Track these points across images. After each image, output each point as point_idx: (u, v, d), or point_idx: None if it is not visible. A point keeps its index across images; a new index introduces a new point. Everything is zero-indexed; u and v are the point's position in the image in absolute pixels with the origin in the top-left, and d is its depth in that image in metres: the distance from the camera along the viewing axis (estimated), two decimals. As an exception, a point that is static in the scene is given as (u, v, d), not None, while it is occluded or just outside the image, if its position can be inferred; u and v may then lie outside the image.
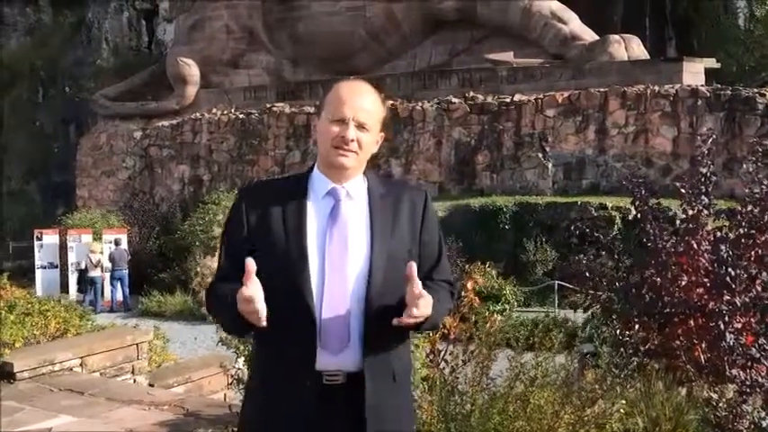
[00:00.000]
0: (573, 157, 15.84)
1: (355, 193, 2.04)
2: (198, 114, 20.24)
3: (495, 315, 11.79)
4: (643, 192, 4.15)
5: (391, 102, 17.58)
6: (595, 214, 14.22)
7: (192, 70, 20.78)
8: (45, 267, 16.32)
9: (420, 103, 17.23)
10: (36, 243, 16.76)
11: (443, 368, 4.19)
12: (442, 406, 3.75)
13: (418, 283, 1.87)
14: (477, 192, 16.30)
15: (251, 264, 1.81)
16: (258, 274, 1.85)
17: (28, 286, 12.86)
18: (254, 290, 1.80)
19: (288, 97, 19.35)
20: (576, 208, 14.53)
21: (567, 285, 10.60)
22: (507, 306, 12.08)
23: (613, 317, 4.44)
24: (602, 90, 15.73)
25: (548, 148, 16.00)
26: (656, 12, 21.18)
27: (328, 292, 1.93)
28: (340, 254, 1.95)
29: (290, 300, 1.91)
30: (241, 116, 19.38)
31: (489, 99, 16.68)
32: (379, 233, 1.99)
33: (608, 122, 15.60)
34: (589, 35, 17.24)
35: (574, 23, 17.37)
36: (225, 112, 19.84)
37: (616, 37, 16.82)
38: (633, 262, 4.61)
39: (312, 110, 18.45)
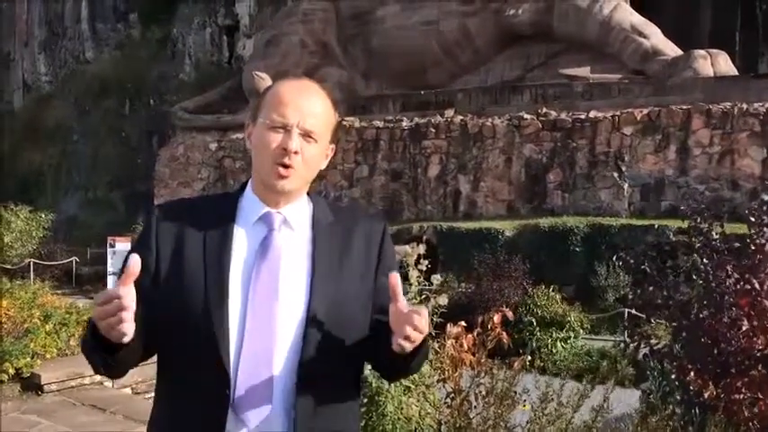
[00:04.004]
0: (651, 177, 15.00)
1: (295, 220, 1.62)
2: (270, 127, 20.46)
3: (559, 343, 11.22)
4: (698, 219, 3.64)
5: (461, 117, 17.24)
6: (674, 239, 13.35)
7: (267, 84, 21.01)
8: (116, 274, 16.76)
9: (490, 119, 16.77)
10: (109, 250, 17.25)
11: (476, 412, 3.62)
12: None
13: (403, 299, 1.47)
14: (547, 211, 15.67)
15: (134, 263, 1.38)
16: (164, 314, 1.51)
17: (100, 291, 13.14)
18: (125, 290, 1.35)
19: (358, 111, 19.29)
20: (654, 231, 13.70)
21: (639, 314, 9.93)
22: (572, 334, 11.43)
23: (665, 362, 3.93)
24: (684, 107, 14.85)
25: (624, 168, 15.21)
26: (748, 26, 19.94)
27: (248, 343, 1.51)
28: (267, 297, 1.53)
29: (201, 349, 1.50)
30: (311, 130, 19.44)
31: (563, 115, 16.05)
32: (324, 273, 1.57)
33: (690, 142, 14.69)
34: (672, 50, 16.37)
35: (656, 38, 16.54)
36: (296, 125, 19.98)
37: (701, 52, 15.88)
38: (694, 300, 4.10)
39: (381, 124, 18.34)
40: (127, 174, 27.16)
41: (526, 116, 16.38)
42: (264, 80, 21.19)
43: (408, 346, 1.46)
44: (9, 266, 17.68)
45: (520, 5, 18.01)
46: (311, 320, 1.53)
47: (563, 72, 17.27)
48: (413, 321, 1.43)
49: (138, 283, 1.44)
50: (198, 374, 1.51)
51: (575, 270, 13.87)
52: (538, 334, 10.70)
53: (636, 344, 3.96)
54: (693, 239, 3.77)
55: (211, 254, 1.55)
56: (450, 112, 17.57)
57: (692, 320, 3.61)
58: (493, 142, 16.61)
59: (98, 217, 26.49)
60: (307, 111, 1.58)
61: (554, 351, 10.61)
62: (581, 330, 11.77)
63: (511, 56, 18.63)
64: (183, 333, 1.51)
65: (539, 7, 17.85)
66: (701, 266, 3.48)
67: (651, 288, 4.23)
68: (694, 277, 3.50)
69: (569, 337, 11.04)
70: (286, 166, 1.56)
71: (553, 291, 11.44)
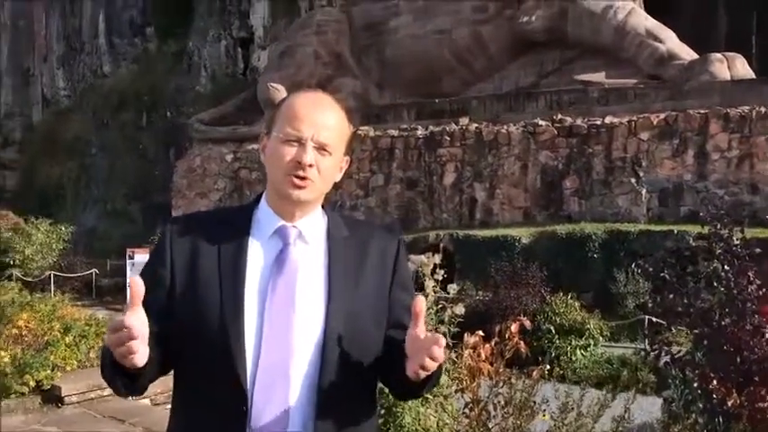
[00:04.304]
0: (669, 182, 14.87)
1: (310, 234, 1.61)
2: (285, 138, 20.56)
3: (578, 351, 11.11)
4: (718, 225, 3.59)
5: (476, 125, 17.21)
6: (694, 244, 13.21)
7: (281, 95, 21.11)
8: (135, 286, 16.85)
9: (505, 126, 16.73)
10: (128, 261, 17.40)
11: (495, 423, 3.59)
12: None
13: (422, 326, 1.46)
14: (564, 218, 15.57)
15: (137, 285, 1.38)
16: (180, 329, 1.51)
17: (122, 302, 13.28)
18: (134, 319, 1.35)
19: (372, 121, 19.33)
20: (673, 237, 13.57)
21: (660, 321, 9.81)
22: (592, 341, 11.31)
23: (687, 370, 3.88)
24: (702, 112, 14.72)
25: (641, 173, 15.10)
26: (765, 29, 19.76)
27: (265, 357, 1.49)
28: (284, 310, 1.51)
29: (217, 363, 1.49)
30: (326, 140, 19.51)
31: (578, 121, 15.97)
32: (340, 286, 1.56)
33: (709, 146, 14.55)
34: (688, 54, 16.25)
35: (671, 42, 16.43)
36: (311, 135, 20.06)
37: (718, 55, 15.75)
38: (716, 307, 4.04)
39: (396, 133, 18.36)
40: (144, 186, 27.41)
41: (541, 123, 16.32)
42: (279, 91, 21.31)
43: (423, 374, 1.46)
44: (30, 279, 17.87)
45: (533, 12, 17.99)
46: (329, 333, 1.52)
47: (578, 78, 17.19)
48: (431, 352, 1.42)
49: (153, 299, 1.47)
50: (214, 389, 1.50)
51: (593, 277, 13.76)
52: (557, 342, 10.61)
53: (656, 352, 3.91)
54: (714, 245, 3.73)
55: (226, 267, 1.55)
56: (464, 120, 17.56)
57: (714, 328, 3.56)
58: (508, 149, 16.55)
59: (117, 229, 26.73)
60: (321, 123, 1.58)
61: (574, 359, 10.51)
62: (601, 338, 11.66)
63: (525, 63, 18.60)
64: (199, 347, 1.50)
65: (552, 13, 17.81)
66: (722, 273, 3.44)
67: (671, 296, 4.19)
68: (715, 284, 3.45)
69: (589, 345, 10.94)
70: (301, 178, 1.56)
71: (571, 298, 11.35)
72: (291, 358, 1.50)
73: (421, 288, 3.40)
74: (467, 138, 17.04)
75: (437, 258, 3.51)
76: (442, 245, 15.46)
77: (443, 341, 1.46)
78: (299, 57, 21.28)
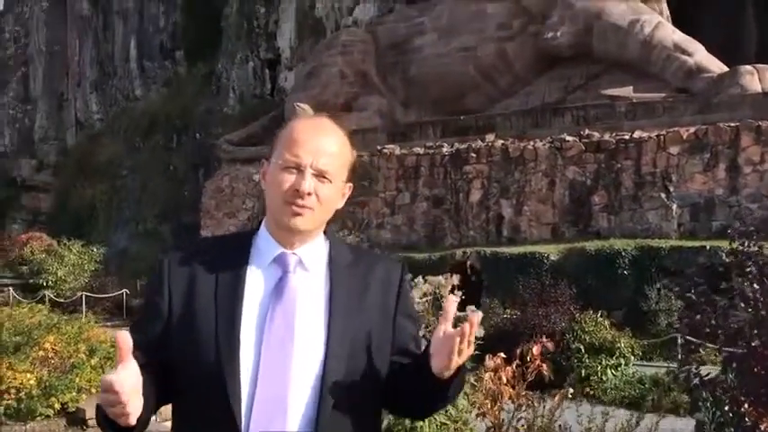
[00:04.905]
0: (701, 197, 14.59)
1: (311, 261, 1.57)
2: (312, 157, 20.70)
3: (609, 370, 10.88)
4: (746, 242, 3.48)
5: (502, 141, 17.13)
6: (727, 260, 12.89)
7: (309, 114, 21.33)
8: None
9: (532, 142, 16.62)
10: (158, 282, 17.53)
11: None
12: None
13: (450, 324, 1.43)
14: (593, 234, 15.36)
15: (123, 340, 1.34)
16: (177, 360, 1.48)
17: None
18: (123, 376, 1.31)
19: (398, 139, 19.36)
20: (705, 253, 13.27)
21: (693, 339, 9.56)
22: (623, 360, 11.07)
23: (718, 391, 3.76)
24: (732, 125, 14.46)
25: (671, 188, 14.85)
26: (798, 38, 19.40)
27: (261, 391, 1.44)
28: (282, 343, 1.47)
29: (212, 401, 1.45)
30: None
31: (606, 136, 15.80)
32: (341, 313, 1.52)
33: (740, 159, 14.27)
34: (717, 66, 16.01)
35: (699, 55, 16.22)
36: (337, 154, 20.16)
37: (748, 68, 15.49)
38: (746, 327, 3.91)
39: (422, 150, 18.35)
40: (175, 206, 27.76)
41: (568, 138, 16.18)
42: (306, 111, 21.50)
43: (447, 372, 1.43)
44: (62, 300, 18.14)
45: (558, 28, 17.92)
46: (329, 364, 1.48)
47: (604, 93, 17.04)
48: (463, 330, 1.38)
49: (150, 331, 1.50)
50: (209, 424, 1.47)
51: (624, 294, 13.51)
52: (587, 361, 10.41)
53: (685, 373, 3.80)
54: (743, 262, 3.62)
55: (223, 298, 1.51)
56: (490, 137, 17.49)
57: (744, 349, 3.44)
58: (535, 165, 16.42)
59: (147, 249, 27.05)
60: (320, 150, 1.55)
61: (604, 378, 10.29)
62: (632, 357, 11.41)
63: (551, 78, 18.51)
64: (195, 381, 1.48)
65: (577, 29, 17.72)
66: (750, 293, 3.33)
67: (698, 316, 4.07)
68: (742, 305, 3.34)
69: (620, 364, 10.71)
70: (299, 206, 1.53)
71: (601, 316, 11.15)
72: (289, 390, 1.46)
73: (439, 309, 3.34)
74: (493, 154, 16.96)
75: (455, 279, 3.46)
76: (468, 262, 15.38)
77: (479, 315, 1.42)
78: (325, 77, 21.46)
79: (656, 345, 12.40)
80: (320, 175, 1.54)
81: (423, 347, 1.56)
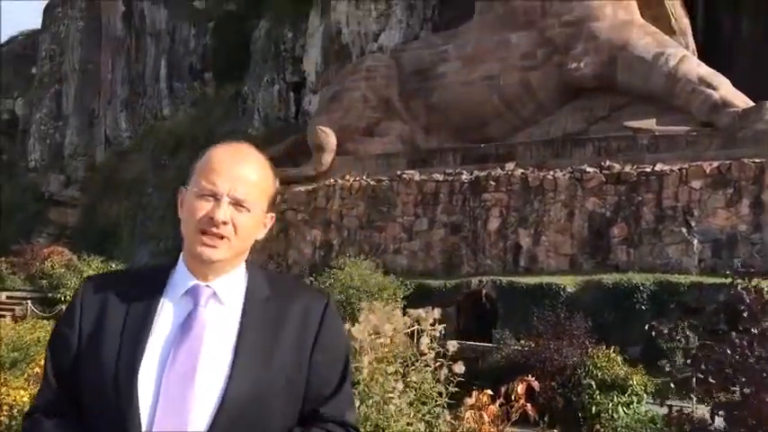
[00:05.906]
0: (723, 233, 14.31)
1: (226, 294, 1.51)
2: (332, 180, 20.75)
3: (620, 408, 10.60)
4: (740, 282, 3.34)
5: (521, 170, 17.00)
6: (748, 299, 12.59)
7: (330, 138, 21.44)
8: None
9: (552, 172, 16.48)
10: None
11: None
12: None
13: None
14: (611, 267, 15.12)
15: None
16: (83, 391, 1.44)
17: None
18: None
19: (418, 165, 19.35)
20: (726, 290, 12.96)
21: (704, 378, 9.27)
22: (635, 398, 10.79)
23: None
24: (757, 161, 14.21)
25: (693, 223, 14.59)
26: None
27: (159, 427, 1.39)
28: (183, 378, 1.41)
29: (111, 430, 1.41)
30: (372, 183, 19.60)
31: (627, 168, 15.61)
32: (248, 355, 1.44)
33: (765, 196, 14.00)
34: (742, 101, 15.79)
35: (725, 89, 16.01)
36: (356, 178, 20.18)
37: (774, 102, 15.25)
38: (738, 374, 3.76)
39: (441, 177, 18.29)
40: (197, 225, 27.97)
41: (589, 169, 16.02)
42: (328, 134, 21.62)
43: None
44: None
45: (582, 59, 17.84)
46: (224, 410, 1.41)
47: (627, 124, 16.88)
48: None
49: (61, 363, 1.48)
50: None
51: (640, 329, 13.22)
52: (598, 398, 10.17)
53: (675, 419, 3.65)
54: (731, 305, 3.49)
55: (130, 329, 1.46)
56: (510, 165, 17.39)
57: (739, 400, 3.30)
58: (554, 195, 16.27)
59: (168, 267, 27.27)
60: (239, 178, 1.50)
61: (615, 416, 10.03)
62: (645, 395, 11.12)
63: (573, 108, 18.40)
64: (96, 412, 1.43)
65: (602, 60, 17.63)
66: (737, 340, 3.19)
67: (702, 365, 3.94)
68: (729, 351, 3.21)
69: (632, 402, 10.44)
70: (213, 236, 1.47)
71: (614, 352, 10.90)
72: (188, 427, 1.40)
73: (416, 343, 3.26)
74: (512, 183, 16.85)
75: (436, 313, 3.38)
76: (484, 291, 15.21)
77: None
78: (347, 101, 21.58)
79: (673, 383, 12.08)
80: (238, 203, 1.49)
81: (349, 382, 1.54)
